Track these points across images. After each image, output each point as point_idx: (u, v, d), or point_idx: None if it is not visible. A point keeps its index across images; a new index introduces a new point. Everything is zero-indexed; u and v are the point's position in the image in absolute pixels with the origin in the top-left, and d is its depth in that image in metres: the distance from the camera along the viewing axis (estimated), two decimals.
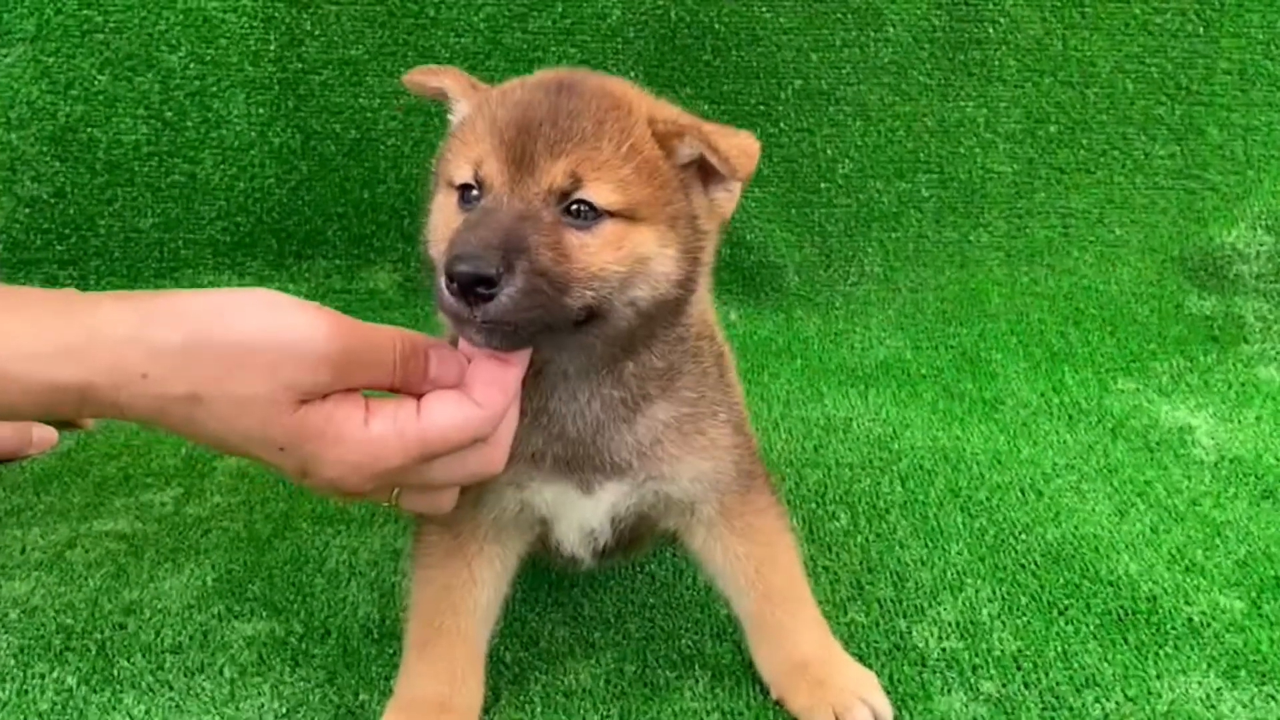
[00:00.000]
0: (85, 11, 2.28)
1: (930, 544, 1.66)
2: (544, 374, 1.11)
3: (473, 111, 1.11)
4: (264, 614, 1.46)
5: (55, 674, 1.33)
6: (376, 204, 2.43)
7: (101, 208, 2.37)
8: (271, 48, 2.33)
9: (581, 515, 1.21)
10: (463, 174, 1.05)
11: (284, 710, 1.26)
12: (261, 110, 2.35)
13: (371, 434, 0.96)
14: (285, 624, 1.43)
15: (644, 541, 1.41)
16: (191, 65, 2.32)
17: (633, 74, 2.35)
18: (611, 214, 1.00)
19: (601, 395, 1.13)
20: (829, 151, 2.47)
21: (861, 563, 1.62)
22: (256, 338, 0.92)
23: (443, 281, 0.94)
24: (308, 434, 0.95)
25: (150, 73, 2.33)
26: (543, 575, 1.52)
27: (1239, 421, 2.09)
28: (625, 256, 1.01)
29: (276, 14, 2.31)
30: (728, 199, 1.13)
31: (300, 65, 2.35)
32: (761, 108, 2.44)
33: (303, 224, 2.43)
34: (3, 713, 1.26)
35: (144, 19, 2.30)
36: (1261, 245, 2.48)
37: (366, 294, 2.44)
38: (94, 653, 1.37)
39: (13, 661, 1.35)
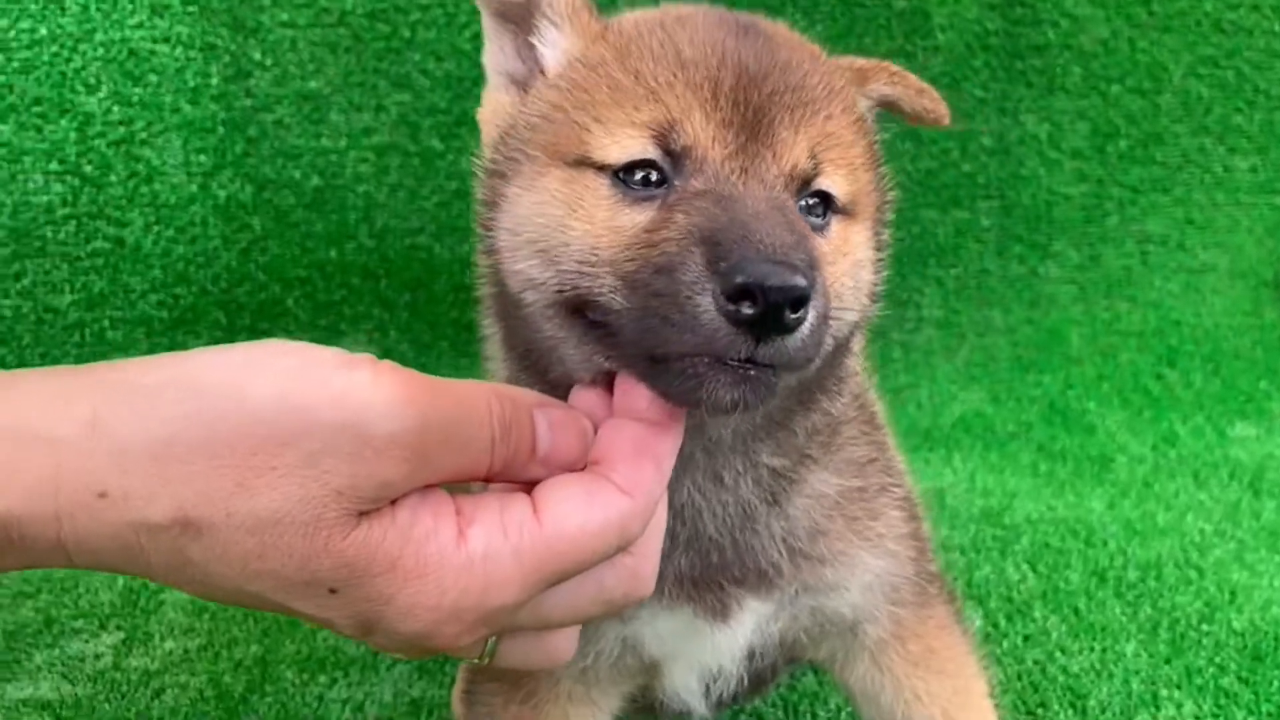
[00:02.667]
0: None
1: (1096, 645, 1.35)
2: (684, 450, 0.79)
3: (617, 48, 0.80)
4: None
5: None
6: (346, 264, 2.06)
7: (8, 284, 1.96)
8: (213, 82, 1.96)
9: (708, 652, 0.91)
10: (626, 143, 0.75)
11: None
12: (203, 158, 1.98)
13: (472, 555, 0.66)
14: None
15: (774, 681, 1.05)
16: (114, 108, 1.94)
17: None
18: (838, 210, 0.79)
19: (756, 470, 0.85)
20: None
21: (1020, 676, 1.28)
22: (281, 419, 0.62)
23: (709, 302, 0.67)
24: (375, 565, 0.64)
25: (64, 119, 1.94)
26: None
27: None
28: (851, 268, 0.79)
29: (219, 42, 1.94)
30: None
31: (249, 102, 1.99)
32: None
33: (257, 292, 2.05)
34: None
35: (55, 56, 1.92)
36: None
37: None
38: None
39: None
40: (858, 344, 0.91)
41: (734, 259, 0.66)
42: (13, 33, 1.88)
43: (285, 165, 2.00)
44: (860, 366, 0.99)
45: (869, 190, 0.83)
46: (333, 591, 0.65)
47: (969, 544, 1.59)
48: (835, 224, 0.79)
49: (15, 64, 1.90)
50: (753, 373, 0.68)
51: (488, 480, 0.70)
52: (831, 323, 0.75)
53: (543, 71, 0.85)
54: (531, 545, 0.66)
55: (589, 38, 0.82)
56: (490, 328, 0.88)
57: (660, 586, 0.80)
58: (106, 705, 1.26)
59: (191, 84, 1.94)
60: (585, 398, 0.75)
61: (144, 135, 1.95)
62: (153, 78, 1.94)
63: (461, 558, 0.65)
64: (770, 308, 0.65)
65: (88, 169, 1.95)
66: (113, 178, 1.95)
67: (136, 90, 1.94)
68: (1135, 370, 2.13)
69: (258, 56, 1.96)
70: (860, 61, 0.90)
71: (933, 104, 0.90)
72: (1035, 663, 1.31)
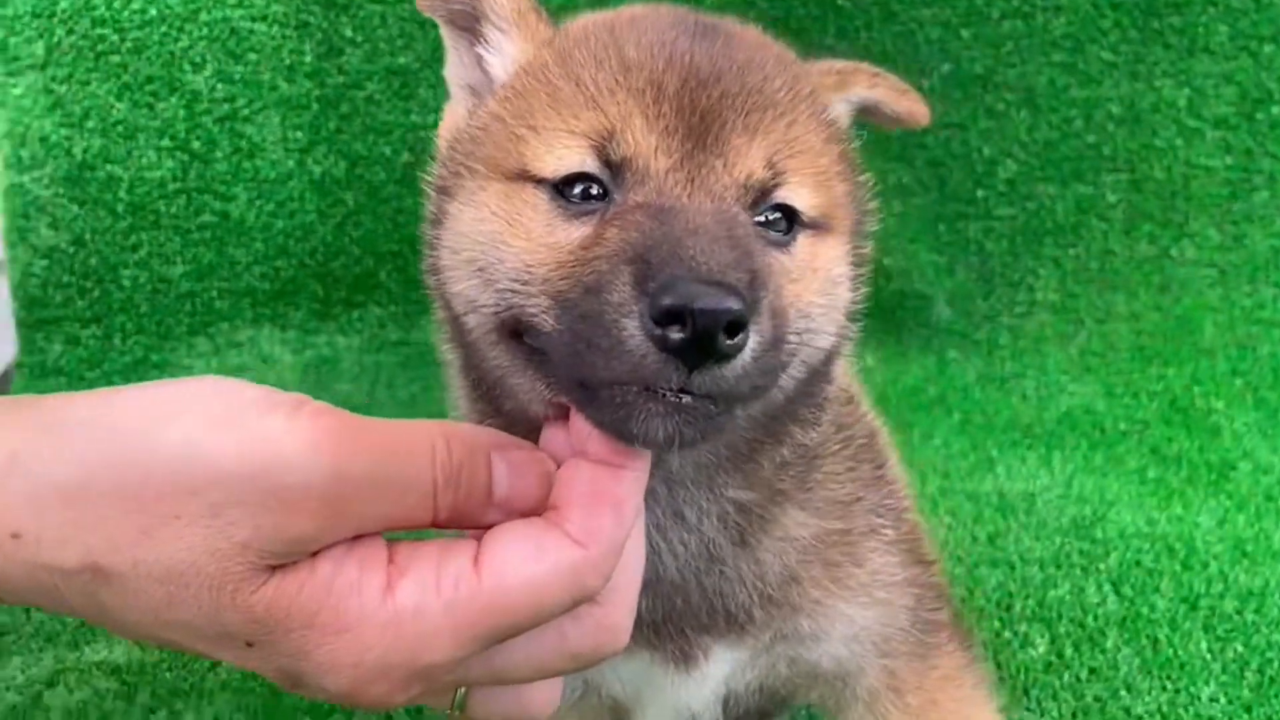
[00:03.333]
0: (99, 31, 1.97)
1: (1169, 684, 1.23)
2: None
3: (560, 52, 0.75)
4: None
5: None
6: None
7: (125, 255, 2.05)
8: (307, 59, 1.98)
9: (679, 699, 0.86)
10: (564, 154, 0.70)
11: None
12: (299, 134, 2.01)
13: (399, 610, 0.62)
14: None
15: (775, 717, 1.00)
16: (219, 86, 2.00)
17: None
18: (805, 224, 0.73)
19: (721, 506, 0.79)
20: (987, 150, 2.03)
21: (1075, 714, 1.18)
22: (188, 467, 0.60)
23: (635, 325, 0.61)
24: (290, 621, 0.62)
25: (174, 97, 2.00)
26: None
27: None
28: (822, 286, 0.73)
29: (311, 19, 1.96)
30: None
31: (341, 79, 2.00)
32: None
33: (351, 266, 2.08)
34: None
35: (164, 36, 1.98)
36: None
37: (428, 346, 2.04)
38: None
39: None
40: (840, 369, 0.84)
41: (662, 279, 0.60)
42: (125, 13, 1.95)
43: (376, 141, 2.01)
44: (851, 392, 0.92)
45: (843, 202, 0.76)
46: (249, 645, 0.63)
47: (1050, 558, 1.47)
48: (803, 239, 0.73)
49: (129, 44, 1.97)
50: (687, 403, 0.62)
51: (435, 527, 0.67)
52: (796, 345, 0.70)
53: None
54: (467, 600, 0.63)
55: (537, 43, 0.77)
56: (449, 354, 0.85)
57: None
58: (168, 674, 1.31)
59: (287, 61, 1.98)
60: (554, 437, 0.70)
61: (246, 112, 2.00)
62: (252, 56, 1.98)
63: (387, 613, 0.62)
64: (700, 333, 0.59)
65: (195, 145, 2.02)
66: (218, 154, 2.02)
67: (238, 68, 1.98)
68: (1276, 365, 1.92)
69: (349, 33, 1.97)
70: (838, 64, 0.82)
71: (915, 105, 0.83)
72: (1096, 699, 1.21)
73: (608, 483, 0.66)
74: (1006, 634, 1.33)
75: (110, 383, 2.07)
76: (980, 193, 2.02)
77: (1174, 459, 1.71)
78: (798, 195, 0.72)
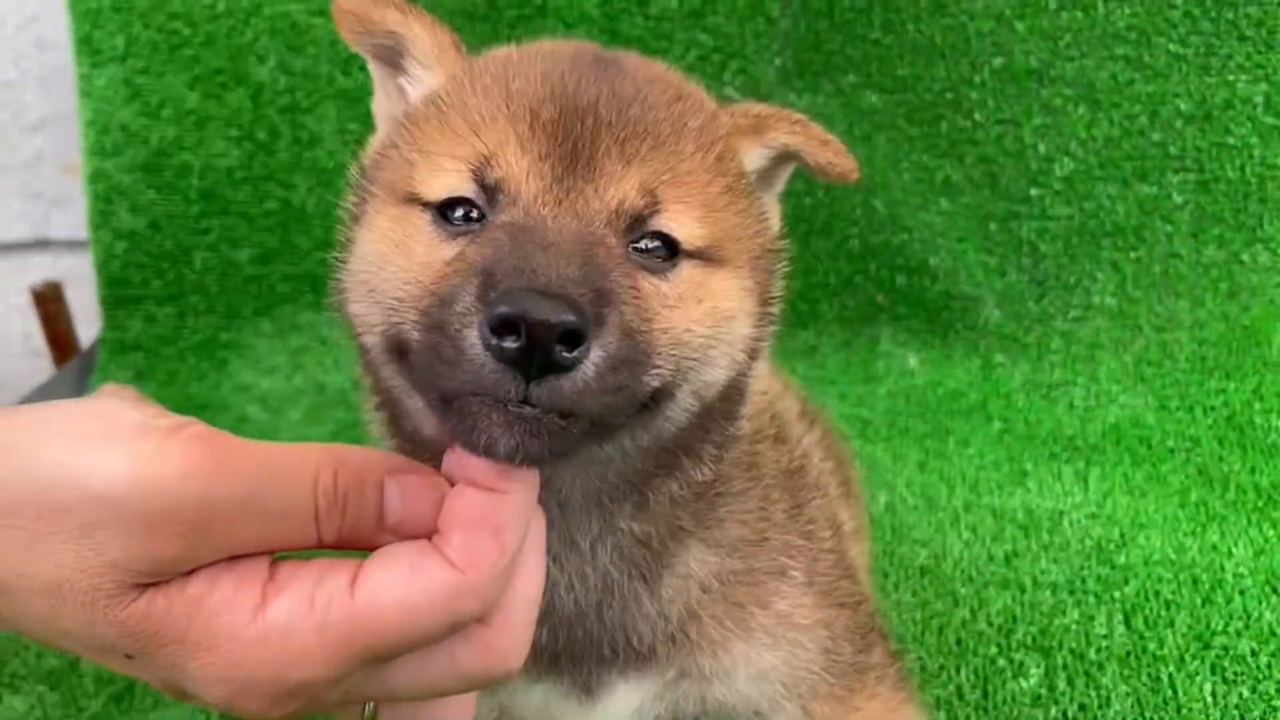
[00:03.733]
0: (173, 25, 2.06)
1: None
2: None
3: (457, 83, 0.77)
4: None
5: None
6: None
7: (197, 239, 2.15)
8: None
9: None
10: (445, 178, 0.72)
11: None
12: (354, 125, 2.06)
13: (269, 627, 0.63)
14: None
15: None
16: (281, 78, 2.06)
17: (779, 60, 1.89)
18: (689, 253, 0.73)
19: (616, 537, 0.80)
20: (1042, 148, 1.92)
21: None
22: (59, 487, 0.61)
23: (475, 335, 0.63)
24: (161, 636, 0.64)
25: (240, 88, 2.08)
26: None
27: None
28: (706, 316, 0.72)
29: None
30: (773, 214, 0.85)
31: None
32: (949, 95, 1.91)
33: None
34: None
35: (231, 29, 2.05)
36: None
37: None
38: None
39: None
40: (745, 406, 0.83)
41: (501, 289, 0.61)
42: (197, 8, 2.04)
43: None
44: (771, 431, 0.90)
45: (736, 235, 0.76)
46: (129, 657, 0.65)
47: (1064, 583, 1.42)
48: (687, 268, 0.73)
49: (200, 37, 2.05)
50: (530, 414, 0.63)
51: (324, 548, 0.67)
52: (670, 373, 0.70)
53: None
54: (339, 620, 0.63)
55: (454, 70, 0.79)
56: (364, 379, 0.87)
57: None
58: None
59: (343, 54, 2.02)
60: (451, 461, 0.71)
61: (305, 104, 2.06)
62: (310, 49, 2.03)
63: (255, 630, 0.64)
64: (534, 343, 0.60)
65: (260, 135, 2.09)
66: (280, 144, 2.09)
67: (297, 61, 2.04)
68: None
69: None
70: (757, 107, 0.81)
71: (837, 158, 0.80)
72: None
73: (488, 507, 0.66)
74: (1001, 661, 1.29)
75: (184, 359, 2.20)
76: (1034, 191, 1.92)
77: (1220, 480, 1.62)
78: (678, 224, 0.72)
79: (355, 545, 0.67)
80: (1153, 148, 1.87)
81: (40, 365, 2.40)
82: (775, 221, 0.85)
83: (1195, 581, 1.40)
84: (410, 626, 0.64)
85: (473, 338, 0.62)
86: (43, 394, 1.98)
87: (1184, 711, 1.19)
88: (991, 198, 1.94)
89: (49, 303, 2.23)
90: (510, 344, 0.60)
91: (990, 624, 1.36)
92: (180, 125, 2.10)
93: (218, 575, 0.64)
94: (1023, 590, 1.42)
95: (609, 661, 0.83)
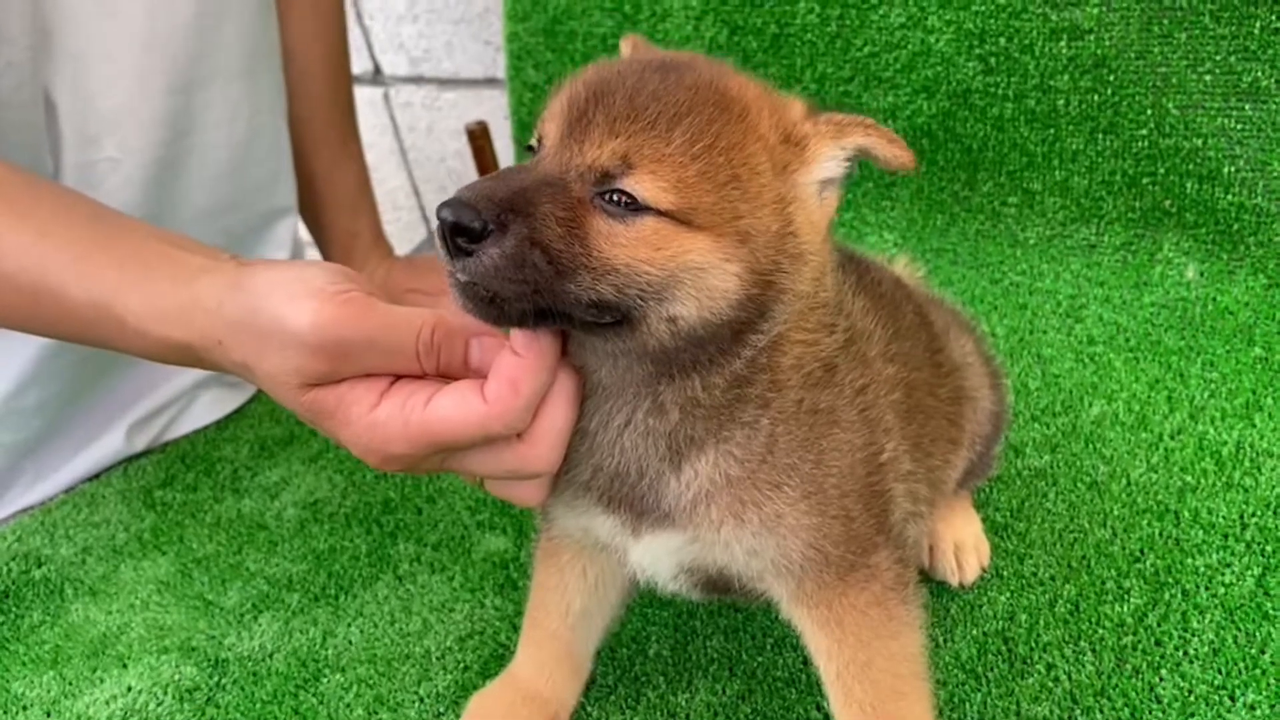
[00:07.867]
0: None
1: None
2: (587, 385, 1.02)
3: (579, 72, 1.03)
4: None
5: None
6: None
7: None
8: None
9: (641, 558, 1.09)
10: (537, 131, 1.00)
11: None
12: (694, 3, 2.30)
13: (376, 418, 0.97)
14: None
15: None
16: None
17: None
18: (659, 212, 0.88)
19: (637, 423, 1.01)
20: None
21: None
22: (270, 324, 0.98)
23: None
24: (320, 413, 1.00)
25: None
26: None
27: None
28: (665, 260, 0.88)
29: None
30: (832, 200, 0.99)
31: None
32: None
33: None
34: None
35: None
36: None
37: None
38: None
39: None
40: (748, 349, 0.98)
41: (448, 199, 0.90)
42: None
43: (753, 12, 2.23)
44: (807, 366, 1.03)
45: (723, 213, 0.90)
46: (311, 420, 1.01)
47: (1222, 525, 1.41)
48: (651, 221, 0.88)
49: None
50: (464, 282, 0.86)
51: (424, 377, 1.00)
52: (614, 293, 0.88)
53: None
54: (414, 421, 0.95)
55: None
56: None
57: (590, 495, 1.05)
58: None
59: None
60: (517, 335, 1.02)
61: None
62: None
63: (370, 419, 0.97)
64: (441, 230, 0.85)
65: (626, 8, 2.41)
66: (641, 15, 2.39)
67: None
68: None
69: None
70: (838, 116, 0.97)
71: (902, 153, 0.96)
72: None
73: (512, 366, 0.94)
74: (1110, 584, 1.35)
75: None
76: None
77: None
78: (643, 186, 0.87)
79: (450, 376, 0.99)
80: None
81: None
82: (825, 210, 0.99)
83: None
84: (456, 434, 0.95)
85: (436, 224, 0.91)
86: None
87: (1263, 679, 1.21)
88: None
89: (478, 138, 2.76)
90: (438, 231, 0.86)
91: (1123, 549, 1.41)
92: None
93: (356, 384, 0.98)
94: (1177, 524, 1.44)
95: (647, 514, 1.05)
